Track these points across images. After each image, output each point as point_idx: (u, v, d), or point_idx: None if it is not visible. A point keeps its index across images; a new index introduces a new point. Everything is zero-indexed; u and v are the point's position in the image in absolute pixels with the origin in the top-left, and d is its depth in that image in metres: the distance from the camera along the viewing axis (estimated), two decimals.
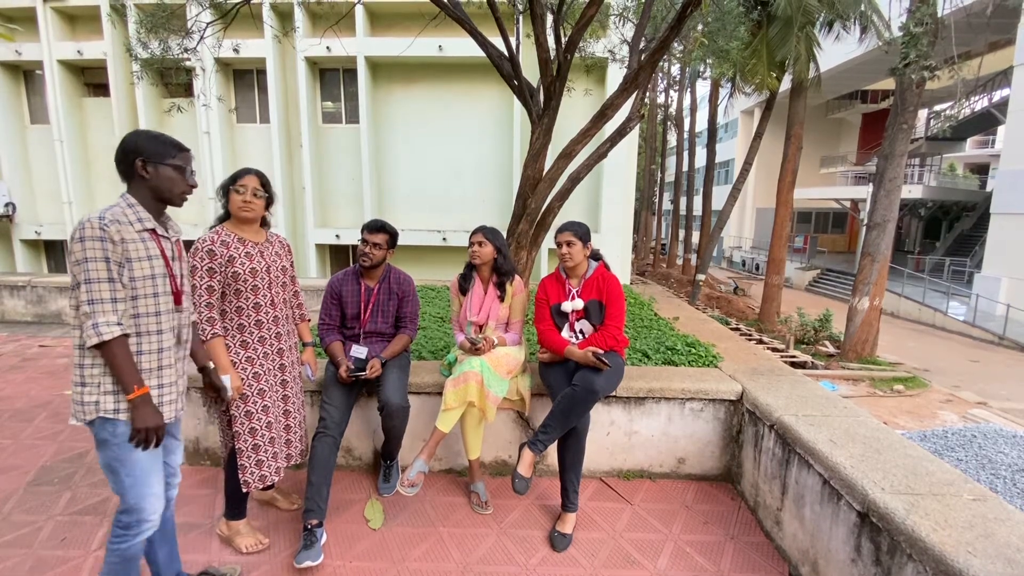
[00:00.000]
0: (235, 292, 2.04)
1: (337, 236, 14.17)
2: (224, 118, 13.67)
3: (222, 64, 12.91)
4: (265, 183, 2.11)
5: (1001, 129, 19.96)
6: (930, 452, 2.03)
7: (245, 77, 14.20)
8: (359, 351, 2.52)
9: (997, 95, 19.90)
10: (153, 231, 1.58)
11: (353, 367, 2.41)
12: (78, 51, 13.49)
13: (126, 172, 1.58)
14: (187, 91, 12.18)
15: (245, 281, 2.04)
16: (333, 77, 14.13)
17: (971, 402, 9.21)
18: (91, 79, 14.37)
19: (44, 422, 3.44)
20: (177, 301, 1.65)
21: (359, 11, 12.25)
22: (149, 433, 1.51)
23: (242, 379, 2.06)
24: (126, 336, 1.50)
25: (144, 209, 1.58)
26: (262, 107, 14.02)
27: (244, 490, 2.10)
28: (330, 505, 2.31)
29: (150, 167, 1.57)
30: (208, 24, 5.01)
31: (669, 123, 28.28)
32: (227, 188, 2.08)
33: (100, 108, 14.12)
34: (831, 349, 11.97)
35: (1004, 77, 17.06)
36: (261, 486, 2.11)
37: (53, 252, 15.66)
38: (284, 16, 12.47)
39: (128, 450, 1.54)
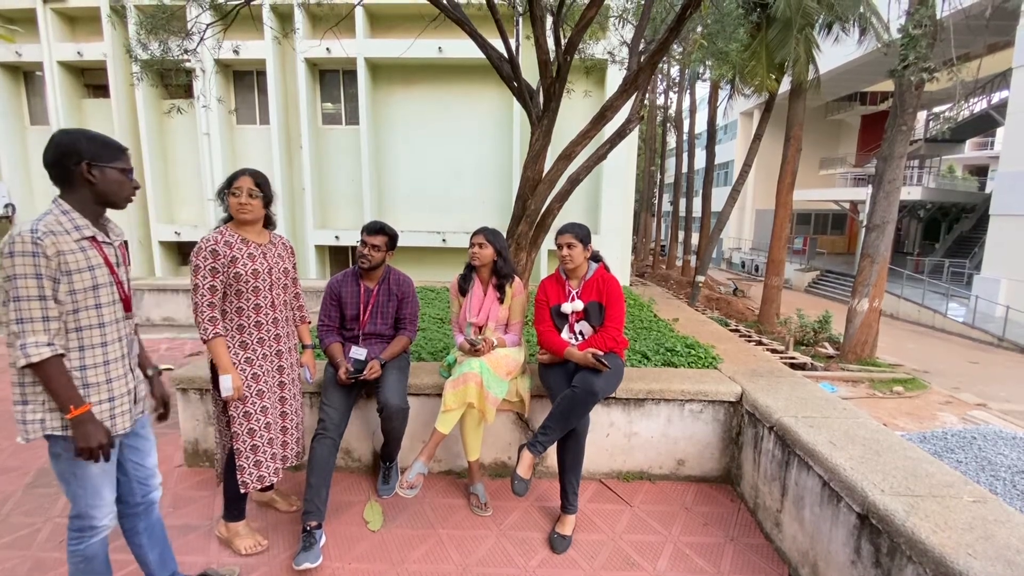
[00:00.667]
0: (236, 292, 2.04)
1: (337, 237, 14.17)
2: (224, 119, 13.68)
3: (222, 65, 12.93)
4: (261, 182, 2.08)
5: (1000, 131, 19.99)
6: (930, 454, 2.03)
7: (245, 78, 14.22)
8: (358, 352, 2.52)
9: (996, 97, 19.94)
10: (93, 238, 1.51)
11: (352, 369, 2.41)
12: (78, 52, 13.50)
13: (61, 176, 1.49)
14: (187, 92, 12.18)
15: (247, 282, 2.04)
16: (333, 78, 14.15)
17: (971, 404, 9.21)
18: (91, 80, 14.38)
19: None
20: (127, 308, 1.61)
21: (359, 13, 12.27)
22: (94, 452, 1.47)
23: (242, 380, 2.06)
24: (59, 356, 1.43)
25: (81, 215, 1.50)
26: (262, 108, 14.03)
27: (242, 491, 2.09)
28: (329, 507, 2.31)
29: (96, 171, 1.49)
30: (208, 26, 5.02)
31: (669, 124, 28.32)
32: (224, 190, 2.08)
33: (100, 109, 14.13)
34: (830, 350, 11.97)
35: (1003, 79, 17.10)
36: (259, 487, 2.10)
37: None
38: (284, 17, 12.49)
39: (80, 464, 1.51)
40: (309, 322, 2.45)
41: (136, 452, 1.72)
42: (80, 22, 13.96)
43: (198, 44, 5.16)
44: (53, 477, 2.73)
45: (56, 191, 1.53)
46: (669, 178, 32.75)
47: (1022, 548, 1.40)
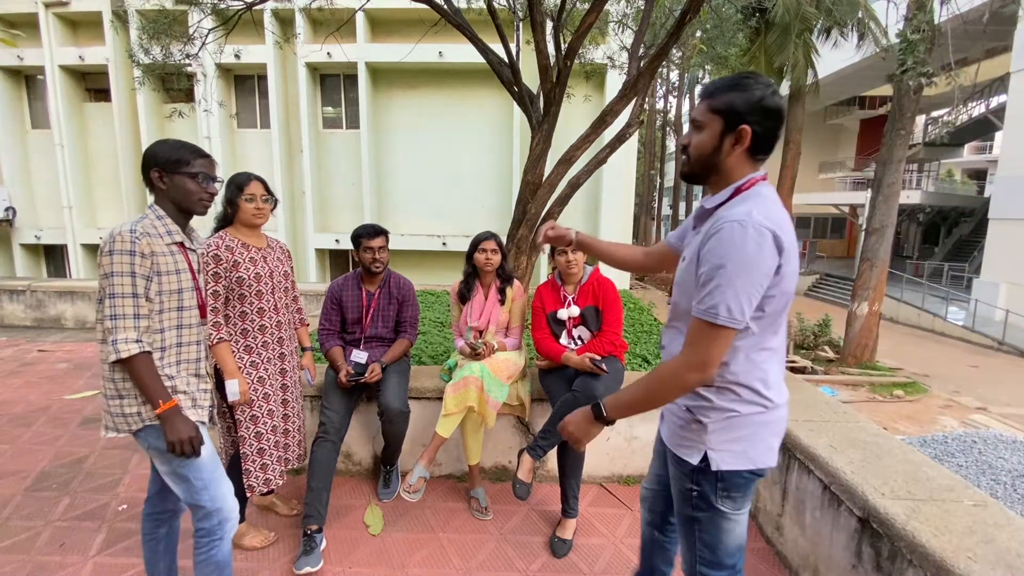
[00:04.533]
0: (239, 297, 2.05)
1: (337, 241, 14.18)
2: (225, 123, 13.72)
3: (223, 70, 12.98)
4: (267, 187, 2.15)
5: (999, 135, 20.07)
6: (930, 458, 2.03)
7: (246, 82, 14.27)
8: (359, 356, 2.53)
9: (994, 101, 20.02)
10: (181, 244, 1.58)
11: (353, 372, 2.42)
12: (80, 56, 13.55)
13: (148, 183, 1.56)
14: (188, 96, 12.21)
15: (250, 286, 2.05)
16: (334, 83, 14.20)
17: (971, 407, 9.20)
18: (92, 84, 14.43)
19: (43, 427, 3.43)
20: (203, 314, 1.64)
21: (360, 18, 12.33)
22: (184, 444, 1.48)
23: (248, 384, 2.07)
24: (147, 353, 1.46)
25: (172, 221, 1.56)
26: (263, 112, 14.08)
27: (249, 495, 2.11)
28: (330, 511, 2.31)
29: (166, 178, 1.54)
30: (210, 31, 5.05)
31: (668, 128, 28.40)
32: (233, 196, 2.08)
33: (101, 113, 14.18)
34: (830, 354, 11.97)
35: (1001, 83, 17.17)
36: (265, 490, 2.12)
37: (53, 257, 15.67)
38: (285, 22, 12.55)
39: (191, 456, 1.52)
40: (308, 324, 2.46)
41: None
42: (82, 26, 14.01)
43: (200, 49, 5.18)
44: (53, 480, 2.73)
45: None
46: (669, 181, 32.83)
47: (1023, 552, 1.40)
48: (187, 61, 5.30)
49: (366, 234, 2.55)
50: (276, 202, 2.16)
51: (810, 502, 2.04)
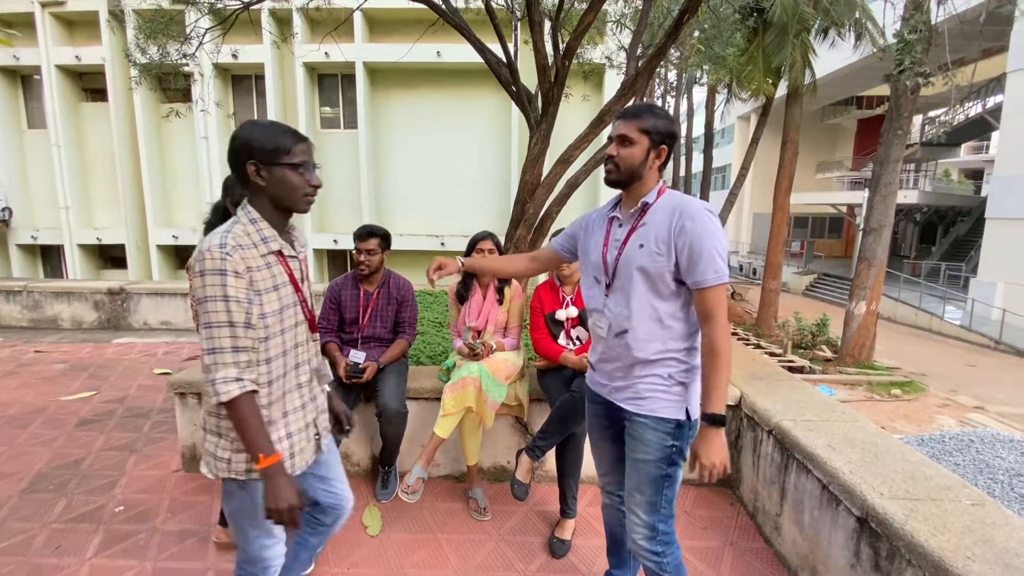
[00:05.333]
0: None
1: (335, 241, 14.17)
2: (222, 123, 13.70)
3: (220, 69, 12.96)
4: None
5: (995, 135, 20.14)
6: (928, 457, 2.04)
7: (243, 82, 14.25)
8: (357, 356, 2.53)
9: (991, 101, 20.08)
10: (279, 252, 1.32)
11: (351, 371, 2.43)
12: (76, 56, 13.51)
13: (241, 177, 1.28)
14: (185, 96, 12.19)
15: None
16: (331, 82, 14.19)
17: (968, 407, 9.22)
18: (89, 84, 14.39)
19: (39, 428, 3.41)
20: (312, 328, 1.43)
21: (357, 17, 12.32)
22: (283, 516, 1.24)
23: None
24: (250, 393, 1.23)
25: (267, 225, 1.30)
26: (260, 112, 14.07)
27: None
28: None
29: (264, 171, 1.26)
30: (207, 30, 5.03)
31: None
32: (239, 201, 2.06)
33: (98, 113, 14.15)
34: (828, 354, 12.00)
35: (997, 83, 17.22)
36: None
37: (49, 257, 15.63)
38: (283, 22, 12.53)
39: (258, 509, 1.31)
40: None
41: (324, 480, 1.55)
42: (78, 26, 13.98)
43: (197, 48, 5.17)
44: (49, 482, 2.72)
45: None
46: (666, 179, 32.83)
47: (1020, 551, 1.40)
48: (184, 61, 5.29)
49: (358, 235, 2.57)
50: None
51: (808, 502, 2.04)
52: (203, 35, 5.07)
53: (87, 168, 14.60)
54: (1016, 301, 14.06)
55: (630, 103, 4.36)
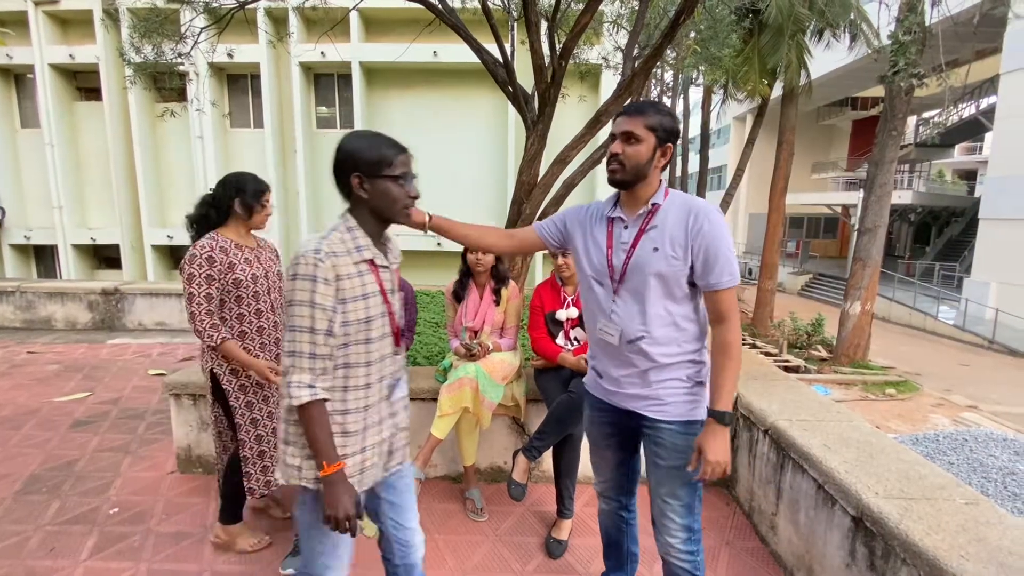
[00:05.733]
0: (236, 299, 2.02)
1: None
2: (218, 123, 13.65)
3: (216, 69, 12.91)
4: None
5: (988, 136, 20.29)
6: (922, 456, 2.05)
7: (239, 82, 14.20)
8: None
9: (984, 102, 20.22)
10: (372, 261, 1.32)
11: None
12: (70, 55, 13.43)
13: (343, 189, 1.31)
14: (180, 96, 12.13)
15: (247, 287, 2.02)
16: (327, 82, 14.16)
17: (962, 406, 9.28)
18: (83, 83, 14.31)
19: (32, 430, 3.39)
20: (397, 342, 1.41)
21: (354, 17, 12.30)
22: (340, 522, 1.25)
23: (246, 386, 2.06)
24: (321, 401, 1.24)
25: (363, 234, 1.31)
26: (256, 112, 14.03)
27: (250, 497, 2.10)
28: None
29: (367, 184, 1.28)
30: (202, 29, 5.01)
31: None
32: (252, 202, 2.05)
33: (92, 112, 14.07)
34: (824, 353, 12.05)
35: (991, 85, 17.34)
36: (267, 491, 2.11)
37: (43, 257, 15.53)
38: (278, 21, 12.49)
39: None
40: None
41: (394, 508, 1.51)
42: (72, 25, 13.89)
43: (192, 48, 5.14)
44: (43, 484, 2.71)
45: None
46: (663, 179, 32.91)
47: (1014, 550, 1.41)
48: (179, 60, 5.26)
49: None
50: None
51: (804, 501, 2.05)
52: (198, 34, 5.04)
53: (81, 168, 14.51)
54: (1009, 301, 14.16)
55: (627, 103, 4.37)
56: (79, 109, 14.37)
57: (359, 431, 1.33)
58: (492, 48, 4.55)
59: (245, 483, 2.06)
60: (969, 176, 28.50)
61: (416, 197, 1.35)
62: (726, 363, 1.42)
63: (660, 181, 1.50)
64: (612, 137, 1.48)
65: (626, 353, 1.50)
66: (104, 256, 15.28)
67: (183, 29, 5.18)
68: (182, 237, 13.86)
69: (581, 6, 4.57)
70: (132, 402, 3.87)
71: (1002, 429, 7.35)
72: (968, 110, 21.10)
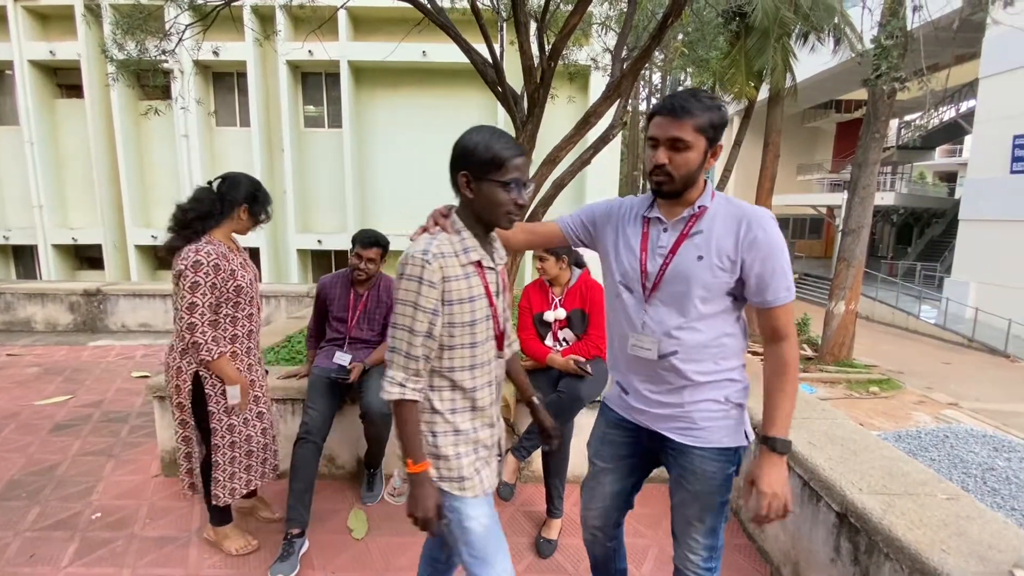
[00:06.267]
0: (234, 305, 1.98)
1: (319, 241, 14.03)
2: (203, 121, 13.47)
3: (201, 66, 12.73)
4: None
5: (968, 139, 20.72)
6: (905, 452, 2.08)
7: (225, 80, 14.03)
8: (342, 358, 2.51)
9: (964, 106, 20.65)
10: (479, 263, 1.28)
11: (335, 373, 2.42)
12: (50, 51, 13.18)
13: (454, 185, 1.28)
14: (165, 93, 11.94)
15: (246, 294, 1.99)
16: (315, 81, 14.04)
17: (943, 403, 9.47)
18: (64, 80, 14.04)
19: (11, 434, 3.32)
20: (499, 346, 1.37)
21: (342, 16, 12.22)
22: (418, 522, 1.25)
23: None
24: (409, 402, 1.24)
25: (471, 235, 1.28)
26: (242, 110, 13.87)
27: (214, 503, 2.07)
28: (313, 515, 2.27)
29: (473, 184, 1.24)
30: (187, 27, 4.94)
31: None
32: (258, 213, 2.04)
33: (73, 110, 13.81)
34: (809, 352, 12.21)
35: (970, 89, 17.72)
36: (231, 499, 2.08)
37: (22, 257, 15.20)
38: (265, 19, 12.37)
39: (463, 527, 1.31)
40: None
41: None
42: (52, 20, 13.62)
43: (176, 45, 5.07)
44: (23, 489, 2.65)
45: None
46: None
47: (993, 543, 1.44)
48: (163, 57, 5.18)
49: (361, 241, 2.54)
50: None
51: (790, 498, 2.07)
52: (183, 32, 4.97)
53: (62, 166, 14.23)
54: (988, 300, 14.47)
55: (613, 105, 4.39)
56: (60, 106, 14.09)
57: (468, 432, 1.33)
58: (481, 48, 4.54)
59: (212, 489, 2.03)
60: (949, 178, 29.09)
61: (524, 206, 1.28)
62: (784, 385, 1.29)
63: (705, 181, 1.33)
64: (653, 143, 1.29)
65: (657, 369, 1.36)
66: (85, 256, 15.00)
67: (167, 26, 5.10)
68: (166, 238, 13.66)
69: (570, 7, 4.59)
70: (115, 405, 3.81)
71: (982, 426, 7.51)
72: (948, 113, 21.55)
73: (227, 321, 1.98)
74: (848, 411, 8.55)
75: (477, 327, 1.27)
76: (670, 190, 1.30)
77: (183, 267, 1.85)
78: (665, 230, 1.35)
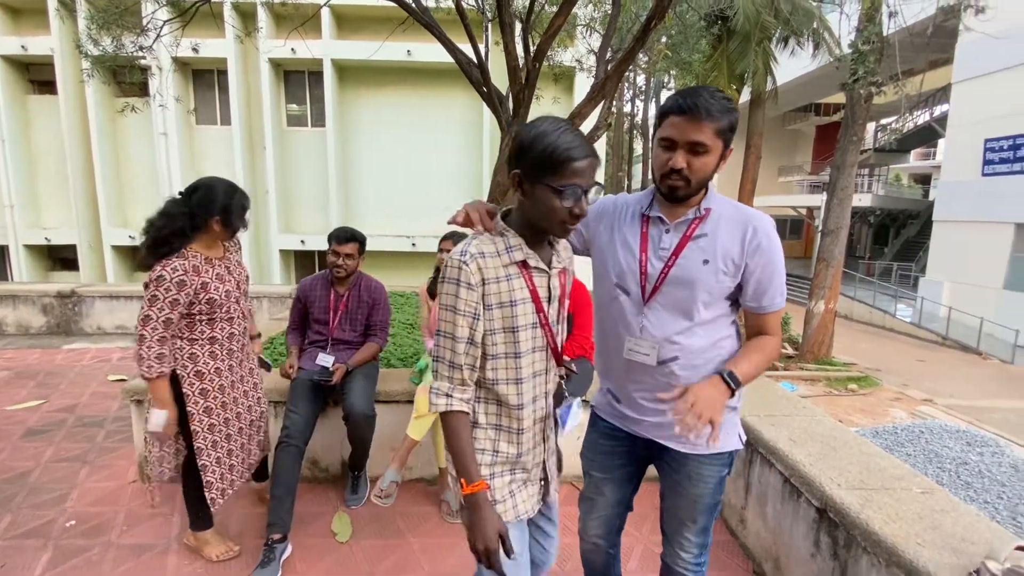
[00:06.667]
0: (208, 317, 1.94)
1: (302, 242, 13.86)
2: (182, 119, 13.22)
3: (180, 63, 12.49)
4: None
5: (942, 142, 21.29)
6: (882, 448, 2.13)
7: (205, 77, 13.79)
8: (325, 359, 2.48)
9: (937, 110, 21.20)
10: (523, 263, 1.17)
11: (318, 374, 2.40)
12: (22, 46, 12.82)
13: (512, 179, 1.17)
14: (142, 90, 11.70)
15: (221, 305, 1.95)
16: (298, 79, 13.88)
17: (918, 400, 9.71)
18: (37, 76, 13.67)
19: None
20: (557, 360, 1.27)
21: (325, 13, 12.09)
22: (479, 553, 1.12)
23: (207, 390, 1.98)
24: (459, 412, 1.15)
25: (515, 234, 1.17)
26: (223, 108, 13.64)
27: (212, 508, 2.03)
28: (296, 519, 2.24)
29: (526, 184, 1.13)
30: (165, 22, 4.85)
31: (635, 131, 28.92)
32: (234, 223, 1.98)
33: (46, 107, 13.45)
34: (790, 351, 12.42)
35: (943, 94, 18.20)
36: (223, 500, 2.04)
37: None
38: (246, 16, 12.18)
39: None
40: (254, 311, 2.43)
41: (539, 531, 1.42)
42: (25, 14, 13.25)
43: (154, 41, 4.97)
44: None
45: None
46: (636, 183, 33.43)
47: (966, 536, 1.48)
48: (140, 54, 5.08)
49: (337, 237, 2.51)
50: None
51: (772, 495, 2.10)
52: (161, 27, 4.87)
53: (34, 164, 13.84)
54: (961, 299, 14.87)
55: (598, 107, 4.41)
56: (32, 103, 13.71)
57: (511, 454, 1.22)
58: (466, 48, 4.54)
59: (206, 493, 1.99)
60: (924, 180, 29.83)
61: (580, 216, 1.12)
62: (760, 348, 1.30)
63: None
64: (668, 143, 1.23)
65: (655, 375, 1.32)
66: (59, 257, 14.61)
67: (145, 22, 5.00)
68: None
69: (555, 8, 4.61)
70: (90, 409, 3.71)
71: (955, 421, 7.71)
72: (923, 117, 22.10)
73: (205, 324, 1.94)
74: (828, 408, 8.72)
75: (520, 334, 1.16)
76: (685, 195, 1.25)
77: (147, 280, 1.82)
78: (667, 231, 1.29)
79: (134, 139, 13.63)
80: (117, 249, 13.86)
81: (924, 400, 9.63)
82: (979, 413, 8.91)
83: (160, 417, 1.85)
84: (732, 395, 1.22)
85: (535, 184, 1.11)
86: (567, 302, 1.31)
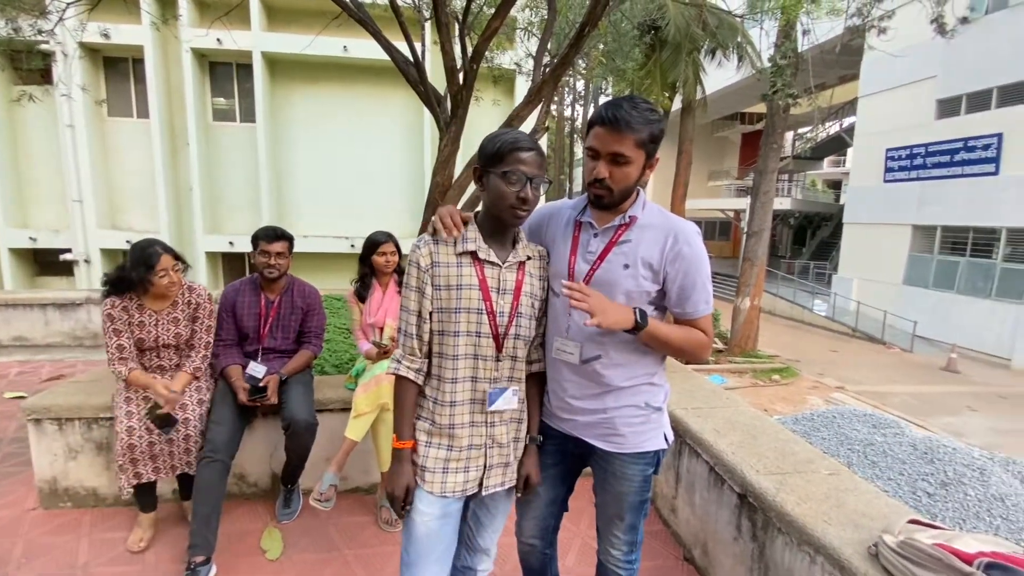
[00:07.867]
0: (138, 350, 2.22)
1: (231, 243, 13.10)
2: (92, 110, 12.13)
3: (88, 50, 11.46)
4: (176, 254, 2.18)
5: (850, 151, 23.29)
6: (800, 434, 2.30)
7: (118, 66, 12.74)
8: (256, 370, 2.35)
9: (846, 122, 23.18)
10: (473, 254, 1.29)
11: (251, 388, 2.25)
12: None
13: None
14: (44, 78, 10.63)
15: (149, 346, 2.22)
16: (225, 71, 13.12)
17: (832, 387, 10.56)
18: None
19: None
20: (498, 347, 1.32)
21: (254, 3, 11.50)
22: (393, 499, 1.31)
23: (131, 397, 2.17)
24: (404, 379, 1.33)
25: (476, 227, 1.32)
26: (140, 100, 12.66)
27: (123, 496, 2.18)
28: (221, 538, 2.12)
29: (484, 177, 1.29)
30: (68, 5, 4.43)
31: (576, 135, 29.58)
32: (143, 277, 2.10)
33: None
34: (719, 345, 13.14)
35: (852, 106, 19.91)
36: (130, 486, 2.13)
37: None
38: (165, 2, 11.35)
39: (408, 518, 1.33)
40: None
41: (479, 525, 1.48)
42: None
43: (56, 24, 4.54)
44: None
45: None
46: (577, 186, 34.21)
47: (866, 511, 1.63)
48: (41, 37, 4.62)
49: (265, 236, 2.37)
50: (188, 266, 2.25)
51: (699, 483, 2.22)
52: (64, 10, 4.45)
53: None
54: (868, 294, 16.33)
55: (536, 110, 4.47)
56: None
57: (444, 426, 1.32)
58: (403, 47, 4.47)
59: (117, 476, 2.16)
60: (836, 185, 32.44)
61: (526, 200, 1.25)
62: (684, 330, 1.34)
63: (638, 191, 1.36)
64: (592, 153, 1.29)
65: (581, 375, 1.38)
66: None
67: (46, 3, 4.55)
68: (48, 239, 12.12)
69: (493, 11, 4.63)
70: None
71: (863, 406, 8.44)
72: (834, 128, 24.08)
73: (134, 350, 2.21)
74: (753, 398, 9.30)
75: (460, 315, 1.29)
76: (609, 203, 1.32)
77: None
78: (595, 235, 1.36)
79: (35, 131, 12.35)
80: (16, 252, 12.47)
81: (837, 388, 10.49)
82: (883, 398, 9.82)
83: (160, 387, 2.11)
84: (633, 329, 1.27)
85: (489, 174, 1.27)
86: (527, 299, 1.35)
